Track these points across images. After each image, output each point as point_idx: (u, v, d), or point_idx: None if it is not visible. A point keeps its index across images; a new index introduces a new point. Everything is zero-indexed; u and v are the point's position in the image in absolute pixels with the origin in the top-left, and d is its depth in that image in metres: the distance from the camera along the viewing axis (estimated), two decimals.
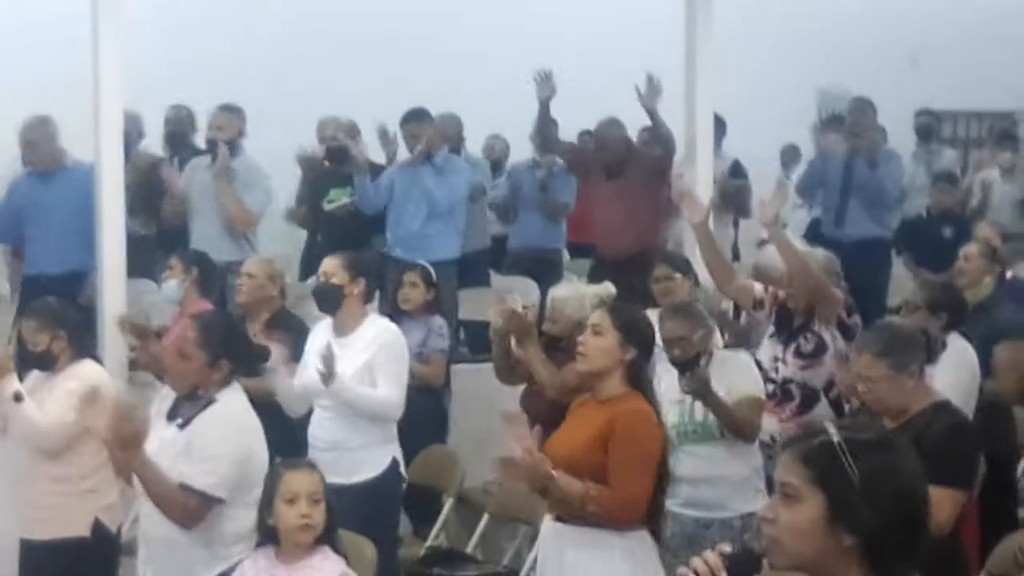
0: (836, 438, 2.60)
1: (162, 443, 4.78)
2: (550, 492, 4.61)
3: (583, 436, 4.68)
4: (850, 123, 9.41)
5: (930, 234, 9.58)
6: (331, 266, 5.96)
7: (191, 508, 4.68)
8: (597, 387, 4.77)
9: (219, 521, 4.74)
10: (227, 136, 8.05)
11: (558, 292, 6.17)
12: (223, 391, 4.86)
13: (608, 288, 6.10)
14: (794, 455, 2.63)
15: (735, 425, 5.42)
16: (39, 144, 7.73)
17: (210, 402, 4.82)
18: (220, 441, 4.75)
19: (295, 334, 6.32)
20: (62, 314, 5.69)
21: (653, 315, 5.37)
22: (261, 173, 8.14)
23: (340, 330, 5.90)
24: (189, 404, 4.88)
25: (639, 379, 4.76)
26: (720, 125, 9.24)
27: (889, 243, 9.40)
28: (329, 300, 5.93)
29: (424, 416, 6.61)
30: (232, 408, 4.86)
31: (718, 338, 6.09)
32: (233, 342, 5.00)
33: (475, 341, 8.30)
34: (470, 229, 8.61)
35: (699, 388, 5.33)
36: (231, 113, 8.18)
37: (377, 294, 6.63)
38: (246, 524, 4.64)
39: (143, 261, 7.60)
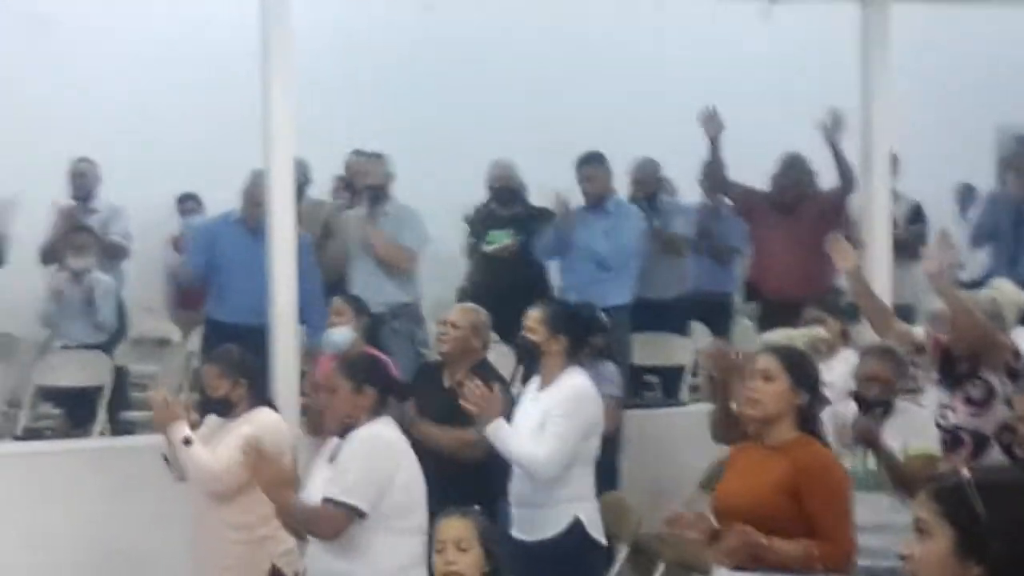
0: (966, 477, 2.79)
1: (318, 483, 4.96)
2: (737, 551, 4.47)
3: (763, 485, 4.54)
4: None
5: None
6: (533, 321, 5.85)
7: (330, 517, 4.83)
8: (766, 432, 4.64)
9: (378, 551, 4.84)
10: (374, 181, 8.07)
11: (769, 341, 5.98)
12: (373, 421, 4.98)
13: (817, 332, 6.05)
14: (928, 493, 2.85)
15: (903, 480, 5.28)
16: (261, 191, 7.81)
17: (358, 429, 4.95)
18: (357, 456, 4.89)
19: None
20: (243, 362, 5.84)
21: None
22: (414, 214, 8.10)
23: (542, 384, 5.82)
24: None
25: (811, 423, 4.65)
26: (894, 162, 9.01)
27: None
28: (528, 356, 5.90)
29: (597, 463, 6.47)
30: (375, 431, 4.97)
31: None
32: (374, 369, 5.14)
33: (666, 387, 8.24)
34: (655, 274, 8.50)
35: (869, 437, 5.23)
36: (375, 159, 8.19)
37: None
38: (409, 554, 4.79)
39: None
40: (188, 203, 9.96)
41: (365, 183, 8.14)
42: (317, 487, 4.97)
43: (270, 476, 4.87)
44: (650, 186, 8.97)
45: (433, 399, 6.30)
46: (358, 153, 8.57)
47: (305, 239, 7.40)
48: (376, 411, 5.01)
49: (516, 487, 5.77)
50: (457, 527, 4.34)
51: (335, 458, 4.99)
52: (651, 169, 9.05)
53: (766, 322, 7.33)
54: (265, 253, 7.11)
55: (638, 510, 6.41)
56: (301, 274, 7.06)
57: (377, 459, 4.90)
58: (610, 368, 6.91)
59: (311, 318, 7.30)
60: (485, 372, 6.31)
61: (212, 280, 7.95)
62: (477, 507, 4.45)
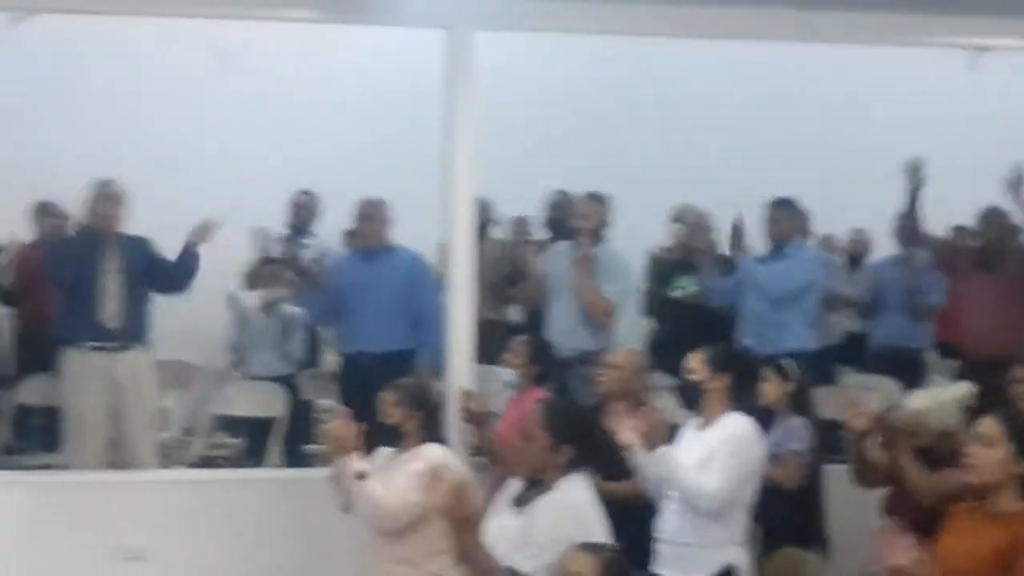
0: None
1: (503, 530, 4.84)
2: None
3: (981, 550, 4.44)
4: None
5: None
6: (694, 362, 5.83)
7: None
8: (988, 498, 4.52)
9: None
10: (592, 225, 7.79)
11: (915, 403, 5.84)
12: (565, 479, 4.86)
13: (966, 389, 5.81)
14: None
15: None
16: (375, 219, 7.85)
17: (550, 489, 4.83)
18: (551, 528, 4.74)
19: None
20: (422, 396, 5.87)
21: None
22: (624, 263, 7.88)
23: (703, 424, 5.78)
24: (533, 491, 4.90)
25: None
26: None
27: None
28: (692, 396, 5.84)
29: (786, 520, 6.24)
30: (572, 497, 4.85)
31: None
32: (578, 429, 5.01)
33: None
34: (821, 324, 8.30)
35: None
36: (597, 202, 7.98)
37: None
38: None
39: (489, 346, 7.52)
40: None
41: (580, 224, 7.85)
42: (498, 529, 4.89)
43: (457, 509, 4.69)
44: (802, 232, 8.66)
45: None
46: (590, 196, 8.31)
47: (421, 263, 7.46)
48: (569, 468, 4.90)
49: (668, 524, 5.70)
50: (578, 562, 4.25)
51: (521, 505, 4.89)
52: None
53: (967, 380, 7.01)
54: (382, 276, 7.48)
55: (816, 565, 6.13)
56: (424, 296, 7.15)
57: (570, 532, 4.71)
58: (799, 422, 6.64)
59: (426, 341, 7.37)
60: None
61: (337, 314, 7.97)
62: (611, 545, 4.39)
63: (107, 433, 7.34)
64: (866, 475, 5.86)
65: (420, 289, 7.52)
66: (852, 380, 8.71)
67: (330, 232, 9.11)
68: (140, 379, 7.41)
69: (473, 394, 6.70)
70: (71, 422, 7.41)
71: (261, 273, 8.69)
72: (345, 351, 7.97)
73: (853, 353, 9.20)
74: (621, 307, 7.83)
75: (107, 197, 7.43)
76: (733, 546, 5.66)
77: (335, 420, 5.73)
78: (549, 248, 8.32)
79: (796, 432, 6.61)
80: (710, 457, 5.58)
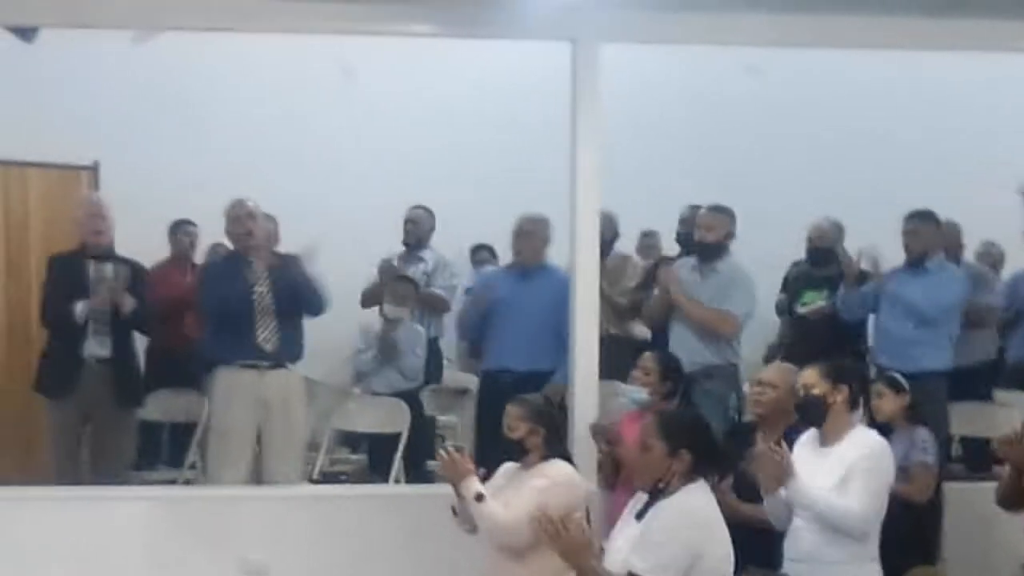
0: None
1: (625, 540, 4.83)
2: None
3: None
4: None
5: None
6: (811, 377, 5.74)
7: None
8: None
9: None
10: (715, 237, 7.72)
11: None
12: (686, 486, 4.83)
13: None
14: None
15: None
16: (533, 236, 7.82)
17: (671, 495, 4.81)
18: (667, 528, 4.73)
19: None
20: (546, 411, 5.81)
21: None
22: (746, 277, 7.75)
23: (824, 440, 5.68)
24: (654, 501, 4.87)
25: None
26: None
27: None
28: (812, 412, 5.71)
29: (908, 535, 6.11)
30: (690, 501, 4.81)
31: None
32: (695, 434, 4.97)
33: (972, 458, 7.85)
34: (974, 340, 8.11)
35: None
36: (721, 214, 7.84)
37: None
38: None
39: (614, 362, 7.42)
40: (481, 253, 9.91)
41: (702, 238, 7.79)
42: (622, 545, 4.86)
43: (565, 543, 4.73)
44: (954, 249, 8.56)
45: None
46: (712, 208, 8.22)
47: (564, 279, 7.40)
48: (690, 476, 4.86)
49: (802, 542, 5.58)
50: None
51: (642, 516, 4.87)
52: (953, 232, 8.64)
53: None
54: (535, 294, 7.50)
55: None
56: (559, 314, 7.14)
57: (686, 535, 4.73)
58: (923, 433, 6.60)
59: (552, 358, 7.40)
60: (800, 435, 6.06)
61: (487, 329, 7.98)
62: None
63: (251, 450, 7.37)
64: (1013, 500, 5.71)
65: (567, 309, 7.38)
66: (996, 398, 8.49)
67: (455, 249, 9.05)
68: (290, 397, 7.42)
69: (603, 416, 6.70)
70: (216, 438, 7.45)
71: (385, 290, 8.67)
72: (487, 367, 7.97)
73: (994, 369, 8.94)
74: (745, 321, 7.75)
75: (245, 216, 7.44)
76: (870, 562, 5.57)
77: (447, 450, 5.71)
78: (676, 263, 8.22)
79: (922, 444, 6.57)
80: (848, 477, 5.48)
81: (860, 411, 5.78)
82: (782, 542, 5.66)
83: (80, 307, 7.39)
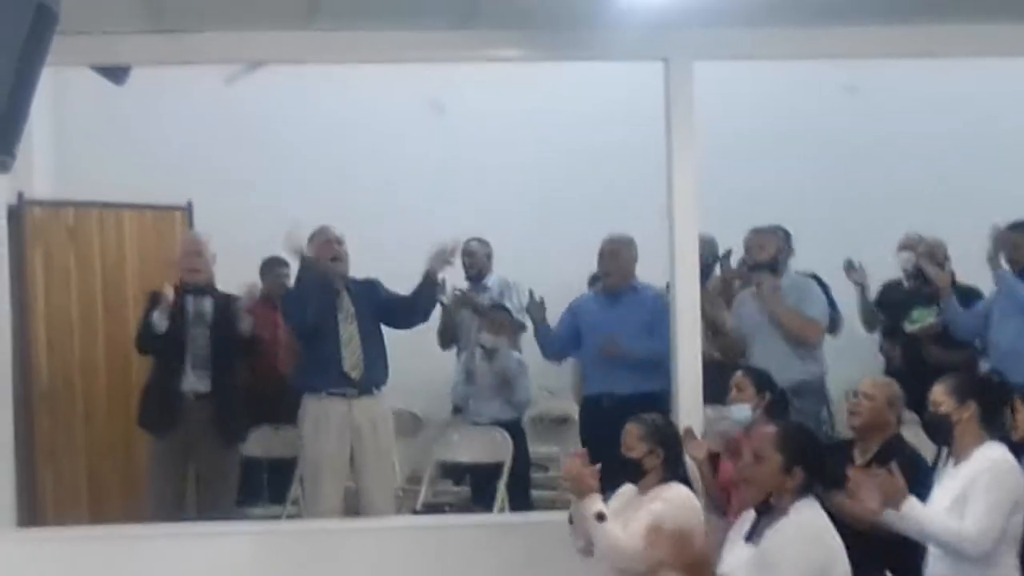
0: None
1: (738, 563, 4.74)
2: None
3: None
4: None
5: None
6: (938, 394, 5.53)
7: None
8: None
9: None
10: (767, 256, 7.81)
11: None
12: (797, 503, 4.74)
13: None
14: None
15: None
16: (620, 256, 7.81)
17: (783, 513, 4.72)
18: (788, 548, 4.63)
19: (909, 465, 5.72)
20: (666, 433, 5.76)
21: None
22: (812, 287, 7.83)
23: (956, 458, 5.47)
24: (764, 521, 4.78)
25: None
26: None
27: None
28: (940, 431, 5.53)
29: None
30: (806, 519, 4.72)
31: None
32: (811, 452, 4.88)
33: None
34: None
35: None
36: (770, 233, 7.94)
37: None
38: None
39: (714, 386, 7.34)
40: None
41: (755, 258, 7.87)
42: (733, 566, 4.77)
43: (688, 558, 4.74)
44: None
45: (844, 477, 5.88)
46: (758, 230, 8.18)
47: (663, 302, 7.37)
48: (801, 493, 4.76)
49: (935, 568, 5.39)
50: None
51: (752, 537, 4.77)
52: None
53: None
54: (624, 316, 7.52)
55: None
56: (666, 337, 7.11)
57: (808, 554, 4.64)
58: None
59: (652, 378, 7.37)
60: (897, 449, 5.97)
61: (583, 355, 7.99)
62: None
63: (345, 480, 7.36)
64: None
65: (663, 330, 7.33)
66: None
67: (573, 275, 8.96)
68: (378, 423, 7.42)
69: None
70: (309, 469, 7.45)
71: (483, 322, 8.63)
72: (588, 392, 7.91)
73: None
74: (825, 327, 7.74)
75: (333, 241, 7.51)
76: None
77: (573, 460, 5.61)
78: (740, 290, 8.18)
79: None
80: (963, 496, 5.26)
81: (994, 427, 5.53)
82: (911, 555, 5.49)
83: (157, 315, 7.46)
